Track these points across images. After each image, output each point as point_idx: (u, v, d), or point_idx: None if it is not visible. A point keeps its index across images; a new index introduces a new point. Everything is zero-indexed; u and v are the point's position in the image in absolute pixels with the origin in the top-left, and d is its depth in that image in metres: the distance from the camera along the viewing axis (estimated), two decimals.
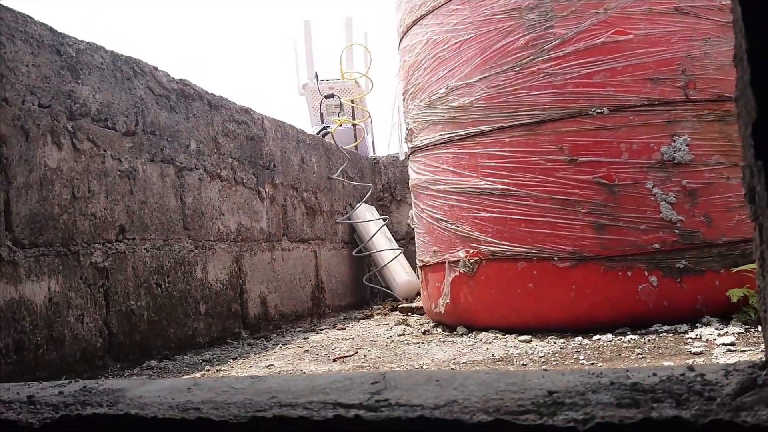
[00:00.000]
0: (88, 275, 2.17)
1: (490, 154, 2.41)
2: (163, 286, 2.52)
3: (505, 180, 2.37)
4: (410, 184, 2.92)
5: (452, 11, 2.51)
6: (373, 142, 4.90)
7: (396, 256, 4.15)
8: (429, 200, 2.69)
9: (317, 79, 4.62)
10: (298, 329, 3.21)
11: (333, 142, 4.11)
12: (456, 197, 2.53)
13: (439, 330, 2.68)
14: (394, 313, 3.65)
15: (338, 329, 3.10)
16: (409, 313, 3.51)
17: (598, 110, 2.24)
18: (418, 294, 4.26)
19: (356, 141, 4.72)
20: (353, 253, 4.12)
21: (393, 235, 4.46)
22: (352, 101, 4.67)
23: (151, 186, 2.50)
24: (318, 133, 4.28)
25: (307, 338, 2.85)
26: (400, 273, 4.14)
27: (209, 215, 2.85)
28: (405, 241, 4.77)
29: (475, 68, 2.44)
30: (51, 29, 2.12)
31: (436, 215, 2.64)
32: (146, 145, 2.49)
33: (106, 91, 2.32)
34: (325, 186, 3.98)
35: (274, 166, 3.41)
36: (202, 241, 2.78)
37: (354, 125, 4.72)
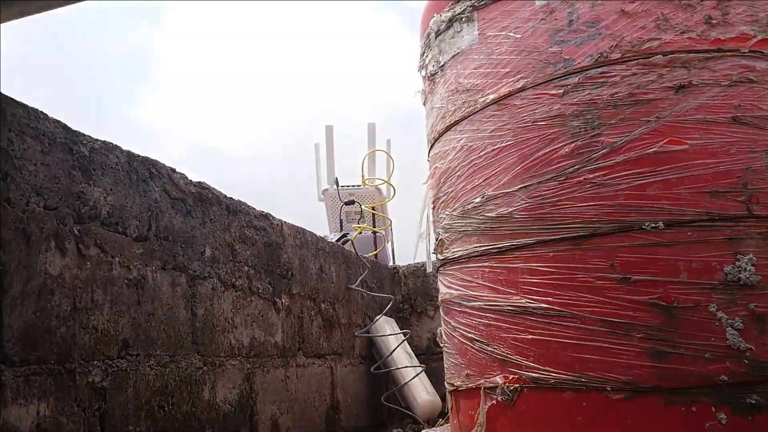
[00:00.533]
0: (84, 397, 1.93)
1: (531, 269, 2.20)
2: (166, 408, 2.26)
3: (549, 298, 2.15)
4: (440, 299, 2.70)
5: (489, 117, 2.37)
6: (393, 251, 4.72)
7: (417, 374, 3.87)
8: (461, 318, 2.46)
9: (338, 185, 4.50)
10: None
11: (353, 250, 3.92)
12: (493, 316, 2.30)
13: None
14: None
15: None
16: None
17: (653, 225, 2.04)
18: (440, 416, 3.95)
19: (376, 249, 4.54)
20: (371, 369, 3.85)
21: (413, 350, 4.20)
22: (373, 208, 4.53)
23: (160, 296, 2.30)
24: (337, 240, 4.10)
25: None
26: (421, 392, 3.85)
27: (221, 328, 2.62)
28: (425, 356, 4.50)
29: (514, 177, 2.28)
30: (65, 127, 1.99)
31: (469, 335, 2.40)
32: (158, 251, 2.31)
33: (119, 193, 2.16)
34: (343, 296, 3.76)
35: (292, 275, 3.21)
36: (211, 357, 2.54)
37: (374, 233, 4.55)
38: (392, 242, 4.74)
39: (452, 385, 2.55)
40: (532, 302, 2.18)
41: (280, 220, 3.17)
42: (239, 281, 2.77)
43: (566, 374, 2.09)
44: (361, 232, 4.40)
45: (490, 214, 2.34)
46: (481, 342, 2.34)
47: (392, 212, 4.69)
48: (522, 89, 2.30)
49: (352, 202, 4.40)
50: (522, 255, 2.24)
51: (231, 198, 2.79)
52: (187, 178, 2.52)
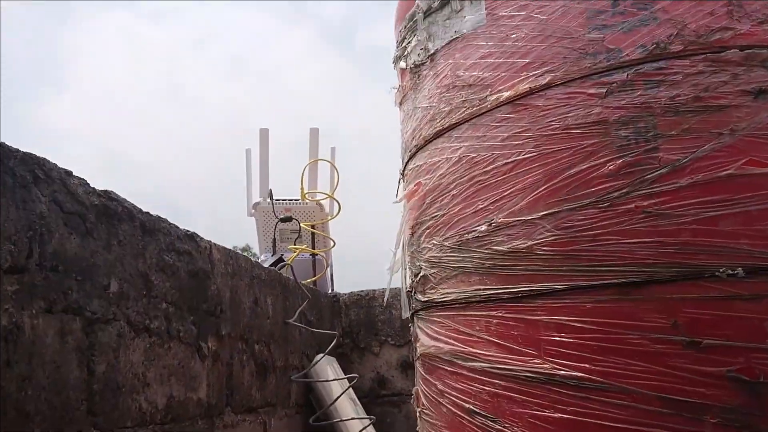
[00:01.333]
0: None
1: (560, 324, 1.66)
2: None
3: (585, 365, 1.60)
4: (419, 352, 2.11)
5: (502, 121, 1.82)
6: (332, 276, 4.11)
7: (365, 427, 3.26)
8: (454, 381, 1.89)
9: (272, 198, 3.86)
10: None
11: (291, 277, 3.29)
12: (502, 383, 1.74)
13: None
14: None
15: None
16: None
17: (729, 271, 1.53)
18: None
19: (315, 275, 3.91)
20: (310, 420, 3.21)
21: (354, 391, 3.58)
22: (313, 226, 3.91)
23: (42, 351, 1.61)
24: (272, 264, 3.45)
25: None
26: None
27: (128, 388, 1.94)
28: (368, 399, 3.89)
29: (536, 200, 1.73)
30: None
31: (466, 404, 1.83)
32: (42, 287, 1.62)
33: None
34: (280, 334, 3.11)
35: (222, 311, 2.55)
36: (114, 431, 1.86)
37: (313, 255, 3.92)
38: (331, 266, 4.12)
39: None
40: (562, 369, 1.63)
41: (209, 242, 2.51)
42: (155, 323, 2.10)
43: None
44: (298, 255, 3.76)
45: (500, 248, 1.78)
46: (485, 416, 1.77)
47: (334, 232, 4.09)
48: (548, 86, 1.76)
49: (289, 219, 3.76)
50: (547, 304, 1.68)
51: (147, 213, 2.12)
52: (88, 185, 1.84)
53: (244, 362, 2.71)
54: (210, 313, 2.45)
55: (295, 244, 3.87)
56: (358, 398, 3.65)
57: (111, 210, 1.93)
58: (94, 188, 1.87)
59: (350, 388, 3.37)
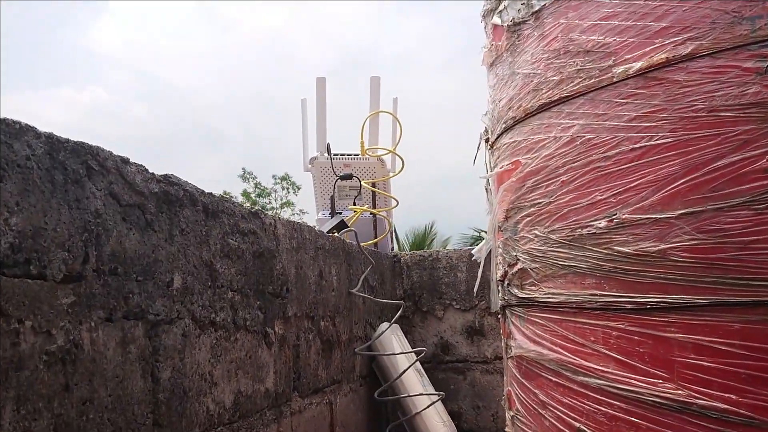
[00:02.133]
0: None
1: (699, 345, 1.40)
2: None
3: (731, 396, 1.36)
4: (512, 352, 1.88)
5: (629, 97, 1.53)
6: (392, 235, 3.88)
7: (433, 403, 3.08)
8: (559, 394, 1.66)
9: (329, 154, 3.61)
10: None
11: (355, 242, 3.07)
12: (623, 405, 1.50)
13: None
14: None
15: None
16: None
17: None
18: None
19: (377, 236, 3.68)
20: (375, 394, 3.05)
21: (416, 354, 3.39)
22: (374, 184, 3.66)
23: (103, 367, 1.43)
24: (334, 227, 3.23)
25: None
26: (436, 424, 3.07)
27: (195, 391, 1.77)
28: (431, 365, 3.71)
29: (673, 195, 1.45)
30: None
31: (575, 423, 1.61)
32: (100, 295, 1.42)
33: (32, 209, 1.25)
34: (344, 306, 2.91)
35: (288, 290, 2.35)
36: None
37: (374, 215, 3.69)
38: (393, 225, 3.89)
39: None
40: (701, 398, 1.39)
41: (273, 218, 2.29)
42: (221, 315, 1.90)
43: None
44: (359, 215, 3.54)
45: (624, 249, 1.51)
46: None
47: (396, 189, 3.82)
48: (691, 57, 1.45)
49: (350, 177, 3.51)
50: (683, 320, 1.43)
51: (210, 195, 1.90)
52: (146, 171, 1.61)
53: (310, 341, 2.53)
54: (276, 295, 2.25)
55: (354, 203, 3.64)
56: (422, 364, 3.47)
57: (172, 196, 1.71)
58: (153, 174, 1.64)
59: (418, 363, 3.18)
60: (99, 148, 1.44)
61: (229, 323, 1.94)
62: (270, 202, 27.24)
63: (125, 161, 1.53)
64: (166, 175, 1.69)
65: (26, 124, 1.26)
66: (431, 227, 16.75)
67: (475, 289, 2.08)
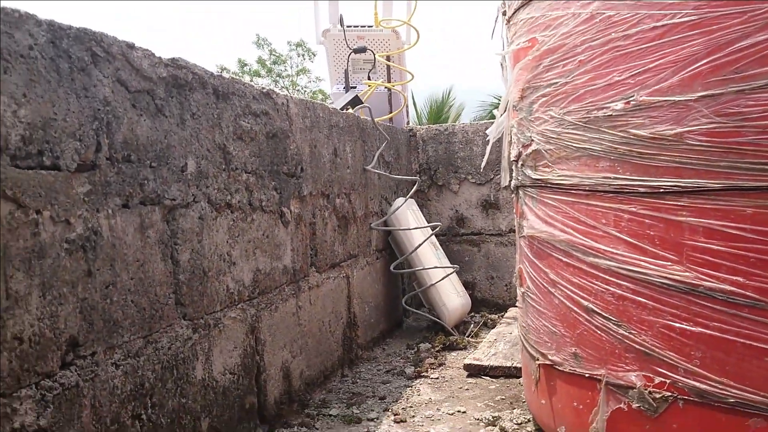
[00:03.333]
0: None
1: (710, 229, 1.41)
2: (144, 416, 1.52)
3: (739, 278, 1.38)
4: (525, 231, 1.91)
5: None
6: (407, 109, 3.82)
7: (447, 275, 3.16)
8: (569, 273, 1.69)
9: (343, 25, 3.50)
10: (333, 412, 2.24)
11: (369, 118, 3.04)
12: (632, 286, 1.53)
13: None
14: (454, 368, 2.70)
15: (395, 419, 2.14)
16: (481, 375, 2.57)
17: None
18: (464, 322, 3.32)
19: (392, 110, 3.63)
20: (391, 267, 3.13)
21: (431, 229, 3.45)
22: (388, 57, 3.57)
23: (123, 251, 1.47)
24: (348, 103, 3.19)
25: None
26: (450, 295, 3.17)
27: (215, 271, 1.82)
28: (446, 238, 3.78)
29: (693, 77, 1.41)
30: None
31: (583, 302, 1.65)
32: (115, 182, 1.44)
33: (40, 100, 1.25)
34: (359, 183, 2.93)
35: (302, 170, 2.36)
36: (203, 317, 1.77)
37: (389, 89, 3.62)
38: (408, 99, 3.81)
39: (544, 356, 1.83)
40: (708, 280, 1.41)
41: (286, 97, 2.26)
42: (236, 197, 1.93)
43: (757, 394, 1.38)
44: (373, 89, 3.48)
45: (640, 132, 1.49)
46: (606, 318, 1.59)
47: (412, 60, 3.72)
48: None
49: (363, 50, 3.42)
50: (696, 204, 1.43)
51: (220, 77, 1.86)
52: (153, 55, 1.58)
53: (326, 219, 2.57)
54: (291, 175, 2.27)
55: (369, 77, 3.57)
56: (437, 237, 3.54)
57: (181, 80, 1.68)
58: (159, 58, 1.61)
59: (433, 237, 3.24)
60: (103, 34, 1.41)
61: (245, 204, 1.97)
62: (285, 69, 26.77)
63: (131, 46, 1.50)
64: (173, 59, 1.66)
65: (26, 12, 1.23)
66: (448, 93, 16.48)
67: (482, 165, 2.08)
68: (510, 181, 2.03)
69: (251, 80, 25.95)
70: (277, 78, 26.70)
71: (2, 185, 1.16)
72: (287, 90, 26.14)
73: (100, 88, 1.40)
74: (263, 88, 2.10)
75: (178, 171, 1.66)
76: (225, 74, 1.88)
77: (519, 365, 2.44)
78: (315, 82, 25.55)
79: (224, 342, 1.85)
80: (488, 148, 2.04)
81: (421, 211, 3.59)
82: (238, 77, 1.97)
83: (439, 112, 16.30)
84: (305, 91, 26.68)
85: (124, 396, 1.46)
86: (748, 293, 1.37)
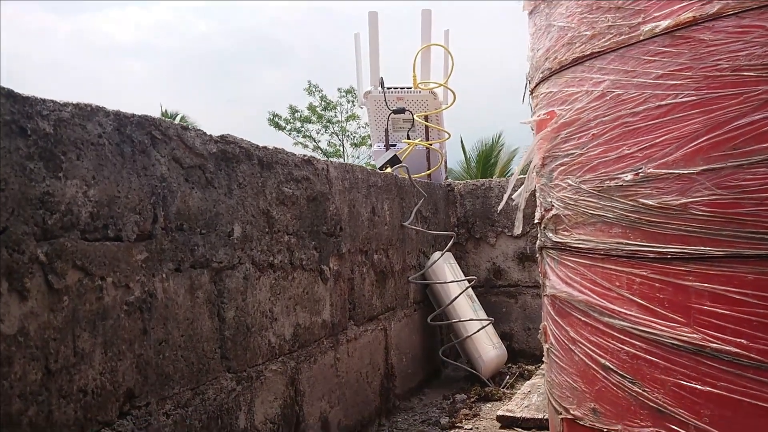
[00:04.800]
0: None
1: (715, 293, 1.50)
2: None
3: (742, 341, 1.46)
4: (548, 291, 2.01)
5: (656, 55, 1.57)
6: (445, 164, 3.98)
7: (483, 327, 3.27)
8: (588, 332, 1.79)
9: (383, 87, 3.69)
10: None
11: (407, 176, 3.20)
12: (644, 345, 1.63)
13: None
14: (488, 419, 2.78)
15: None
16: (514, 426, 2.65)
17: None
18: (500, 373, 3.39)
19: (430, 167, 3.79)
20: (429, 319, 3.25)
21: (468, 282, 3.56)
22: (426, 118, 3.74)
23: (174, 311, 1.63)
24: (387, 162, 3.36)
25: None
26: (486, 346, 3.27)
27: (257, 327, 1.98)
28: (483, 289, 3.88)
29: (695, 152, 1.52)
30: (10, 93, 1.23)
31: (601, 359, 1.74)
32: (169, 249, 1.62)
33: (107, 180, 1.43)
34: (397, 238, 3.08)
35: (341, 229, 2.51)
36: (246, 370, 1.92)
37: (428, 147, 3.79)
38: (446, 156, 3.97)
39: (566, 411, 1.92)
40: (714, 342, 1.50)
41: (326, 162, 2.43)
42: (278, 258, 2.09)
43: None
44: (412, 148, 3.65)
45: (648, 201, 1.60)
46: (622, 376, 1.69)
47: (447, 122, 3.89)
48: (717, 16, 1.48)
49: (402, 111, 3.61)
50: (701, 270, 1.52)
51: (265, 148, 2.05)
52: (204, 134, 1.77)
53: (364, 274, 2.72)
54: (330, 234, 2.43)
55: (408, 136, 3.74)
56: (473, 288, 3.64)
57: (229, 154, 1.87)
58: (210, 136, 1.80)
59: (470, 289, 3.35)
60: (161, 120, 1.60)
61: (286, 264, 2.13)
62: (335, 115, 27.35)
63: (185, 128, 1.69)
64: (223, 136, 1.85)
65: (96, 106, 1.42)
66: (498, 137, 16.62)
67: (515, 232, 2.21)
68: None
69: (302, 126, 26.51)
70: (328, 123, 27.30)
71: (73, 257, 1.33)
72: (337, 135, 26.56)
73: (158, 167, 1.59)
74: (304, 156, 2.28)
75: (225, 236, 1.83)
76: (269, 146, 2.07)
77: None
78: (365, 128, 26.05)
79: (265, 393, 2.00)
80: (519, 214, 2.17)
81: (459, 263, 3.70)
82: (280, 149, 2.15)
83: (487, 157, 16.42)
84: (354, 136, 27.11)
85: None
86: (752, 354, 1.45)
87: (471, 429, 2.66)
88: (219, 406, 1.79)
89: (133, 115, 1.52)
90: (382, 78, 3.73)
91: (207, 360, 1.75)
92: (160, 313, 1.58)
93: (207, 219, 1.76)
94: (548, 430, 2.55)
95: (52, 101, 1.31)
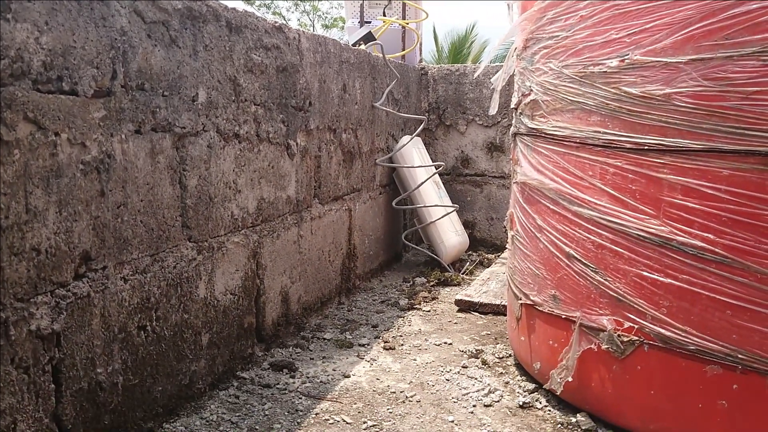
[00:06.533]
0: (24, 354, 1.30)
1: (688, 187, 1.49)
2: (149, 328, 1.65)
3: (709, 235, 1.47)
4: (518, 178, 1.99)
5: None
6: (420, 47, 3.84)
7: (448, 213, 3.26)
8: (555, 220, 1.78)
9: None
10: (327, 336, 2.38)
11: (381, 55, 3.08)
12: (610, 236, 1.63)
13: (545, 406, 1.86)
14: (446, 303, 2.83)
15: (384, 346, 2.28)
16: (471, 310, 2.69)
17: None
18: (460, 260, 3.43)
19: (405, 48, 3.66)
20: (393, 203, 3.23)
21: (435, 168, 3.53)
22: None
23: (134, 175, 1.57)
24: (361, 39, 3.23)
25: (344, 378, 2.03)
26: (449, 233, 3.28)
27: (220, 198, 1.92)
28: (450, 177, 3.86)
29: (685, 40, 1.46)
30: None
31: (565, 248, 1.75)
32: (129, 109, 1.53)
33: (61, 28, 1.32)
34: (367, 119, 3.00)
35: (310, 104, 2.43)
36: (207, 240, 1.88)
37: (403, 27, 3.64)
38: (421, 37, 3.83)
39: (526, 296, 1.94)
40: (682, 235, 1.50)
41: (298, 31, 2.31)
42: (244, 128, 2.01)
43: (716, 343, 1.48)
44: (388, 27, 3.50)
45: (632, 90, 1.55)
46: (585, 265, 1.69)
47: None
48: None
49: None
50: (676, 163, 1.50)
51: (234, 10, 1.92)
52: None
53: (331, 153, 2.66)
54: (299, 108, 2.34)
55: (384, 13, 3.59)
56: (440, 176, 3.62)
57: (195, 12, 1.74)
58: None
59: (436, 175, 3.32)
60: None
61: (252, 135, 2.06)
62: None
63: None
64: None
65: None
66: (472, 28, 16.17)
67: (490, 112, 2.14)
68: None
69: (271, 2, 25.54)
70: (299, 1, 26.30)
71: (24, 107, 1.24)
72: (308, 15, 25.70)
73: (118, 18, 1.47)
74: (276, 22, 2.15)
75: (189, 100, 1.74)
76: (239, 8, 1.94)
77: (506, 303, 2.56)
78: (337, 9, 25.20)
79: (227, 264, 1.97)
80: (495, 96, 2.10)
81: (428, 149, 3.66)
82: (251, 12, 2.02)
83: (459, 48, 16.05)
84: (326, 17, 26.27)
85: (131, 308, 1.58)
86: (717, 249, 1.46)
87: (429, 311, 2.71)
88: (179, 275, 1.76)
89: None
90: None
91: (167, 227, 1.71)
92: (118, 176, 1.51)
93: (170, 80, 1.66)
94: (505, 315, 2.61)
95: None
